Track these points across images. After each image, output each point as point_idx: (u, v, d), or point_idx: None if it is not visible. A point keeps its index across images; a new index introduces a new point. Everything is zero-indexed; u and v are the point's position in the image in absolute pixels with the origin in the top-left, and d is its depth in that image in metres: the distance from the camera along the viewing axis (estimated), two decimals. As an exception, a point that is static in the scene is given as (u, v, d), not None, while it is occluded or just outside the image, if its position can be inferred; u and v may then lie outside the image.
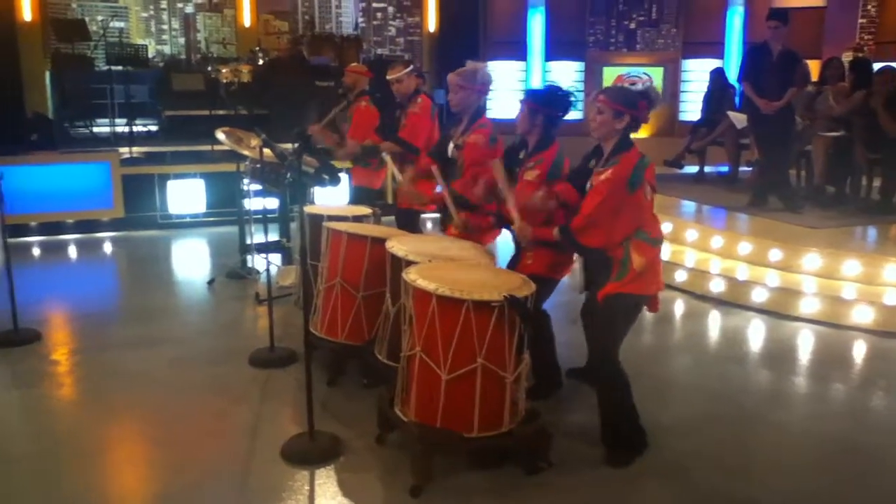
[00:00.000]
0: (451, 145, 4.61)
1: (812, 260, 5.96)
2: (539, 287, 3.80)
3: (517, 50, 13.26)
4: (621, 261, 3.42)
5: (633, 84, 12.73)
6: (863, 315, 5.46)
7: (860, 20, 11.98)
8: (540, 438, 3.42)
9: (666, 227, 6.43)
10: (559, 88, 4.02)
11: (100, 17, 12.19)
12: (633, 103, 3.44)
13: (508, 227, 4.11)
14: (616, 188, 3.35)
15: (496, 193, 4.01)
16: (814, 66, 9.41)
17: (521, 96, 4.10)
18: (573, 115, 4.23)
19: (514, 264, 4.10)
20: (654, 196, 3.51)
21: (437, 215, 5.27)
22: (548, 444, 3.44)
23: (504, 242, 4.42)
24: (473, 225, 4.26)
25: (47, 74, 10.92)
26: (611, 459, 3.53)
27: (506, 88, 13.04)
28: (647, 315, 5.56)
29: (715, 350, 5.28)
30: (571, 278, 4.17)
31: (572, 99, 4.01)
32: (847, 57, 9.91)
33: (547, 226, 3.71)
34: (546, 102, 3.96)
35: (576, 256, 3.98)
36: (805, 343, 5.32)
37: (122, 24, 12.36)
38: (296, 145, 3.97)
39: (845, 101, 7.46)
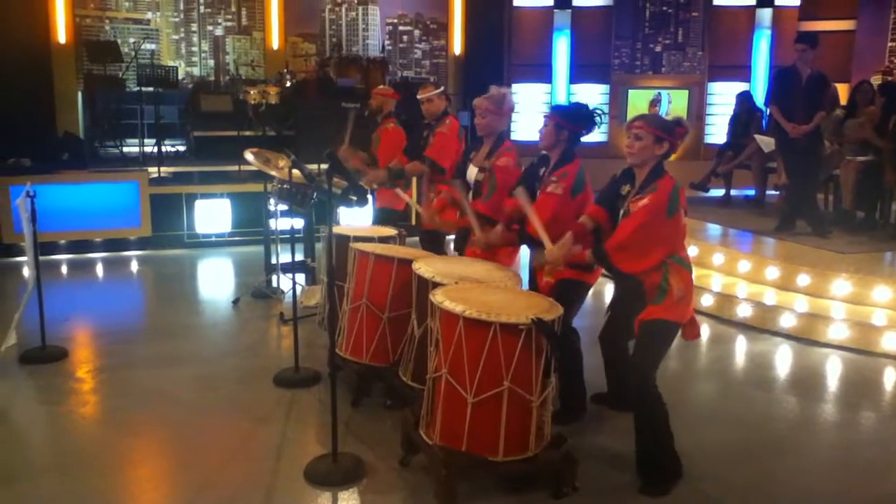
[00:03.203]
0: (472, 169, 4.61)
1: (841, 285, 5.89)
2: (570, 293, 3.79)
3: (542, 72, 13.31)
4: (659, 285, 3.39)
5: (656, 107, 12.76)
6: (893, 342, 5.37)
7: (889, 43, 11.90)
8: (566, 463, 3.38)
9: (692, 251, 6.39)
10: (585, 106, 4.03)
11: (132, 39, 12.40)
12: (671, 129, 3.44)
13: (530, 245, 4.11)
14: (655, 215, 3.35)
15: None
16: (842, 90, 9.35)
17: (546, 112, 4.12)
18: (596, 137, 4.24)
19: (532, 281, 4.10)
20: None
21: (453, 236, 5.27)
22: (574, 469, 3.40)
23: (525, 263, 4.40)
24: (495, 240, 4.26)
25: (79, 95, 11.11)
26: (647, 488, 3.47)
27: (531, 111, 13.08)
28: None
29: (742, 376, 5.21)
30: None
31: (597, 117, 4.02)
32: (876, 80, 9.83)
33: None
34: (571, 119, 3.96)
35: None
36: (834, 370, 5.23)
37: (153, 46, 12.54)
38: (325, 166, 4.00)
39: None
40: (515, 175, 4.31)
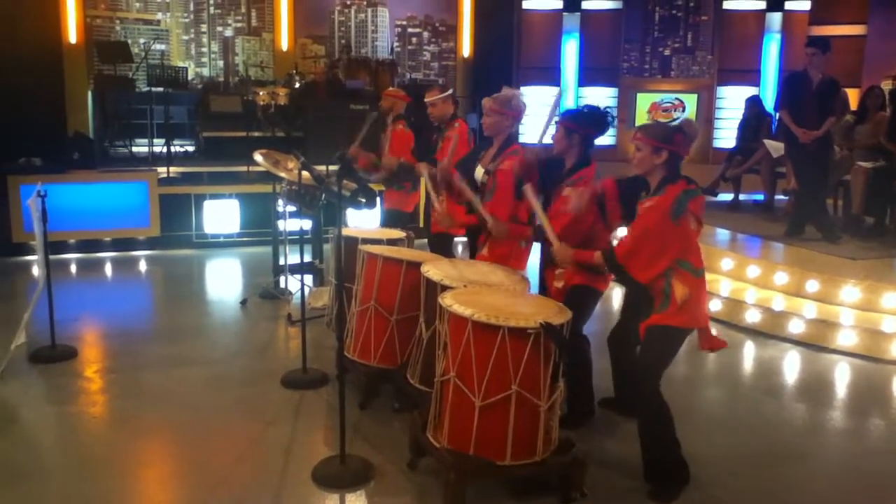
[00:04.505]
0: (479, 169, 4.61)
1: (850, 291, 5.86)
2: (581, 299, 3.78)
3: (551, 76, 13.29)
4: (663, 290, 3.39)
5: (667, 110, 12.72)
6: (903, 349, 5.35)
7: (900, 49, 11.84)
8: (574, 468, 3.38)
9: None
10: (595, 108, 4.03)
11: (142, 40, 12.43)
12: (669, 138, 3.43)
13: (542, 243, 4.11)
14: (659, 218, 3.34)
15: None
16: (852, 95, 9.32)
17: (557, 118, 4.12)
18: (605, 140, 4.25)
19: (542, 285, 4.10)
20: (700, 229, 3.47)
21: (466, 239, 5.25)
22: (582, 474, 3.40)
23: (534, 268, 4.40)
24: (512, 230, 4.25)
25: (90, 95, 11.14)
26: (655, 495, 3.47)
27: (539, 114, 13.06)
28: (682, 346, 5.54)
29: (751, 382, 5.20)
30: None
31: (609, 118, 4.02)
32: (887, 85, 9.79)
33: (586, 248, 3.71)
34: (582, 122, 3.97)
35: None
36: (843, 376, 5.22)
37: (163, 47, 12.58)
38: (336, 167, 4.02)
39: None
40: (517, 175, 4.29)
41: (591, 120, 3.99)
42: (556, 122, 4.08)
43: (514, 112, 4.51)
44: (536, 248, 4.28)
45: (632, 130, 3.65)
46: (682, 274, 3.38)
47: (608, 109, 4.07)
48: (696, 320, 3.46)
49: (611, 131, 4.61)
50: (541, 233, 4.00)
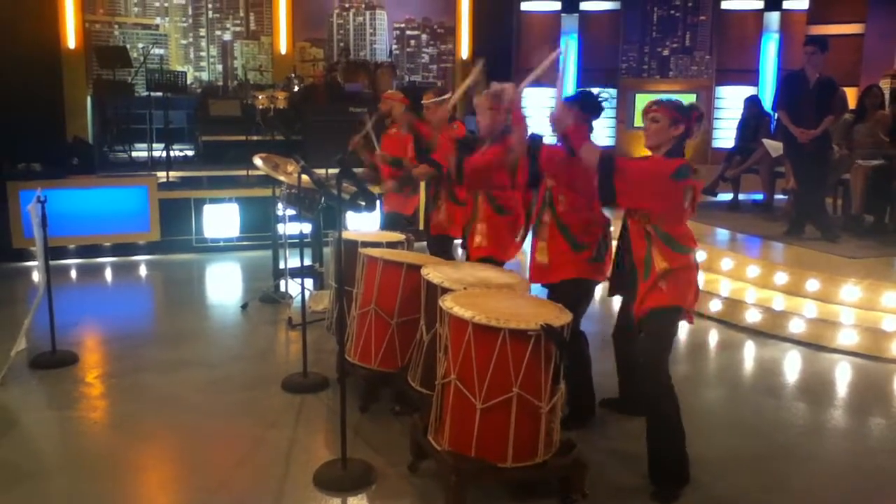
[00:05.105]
0: None
1: (850, 291, 5.87)
2: (576, 292, 3.77)
3: (550, 77, 13.29)
4: (643, 260, 3.42)
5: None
6: (904, 348, 5.35)
7: (898, 47, 11.85)
8: (575, 469, 3.37)
9: (700, 256, 6.37)
10: (590, 92, 4.04)
11: (141, 45, 12.46)
12: (687, 113, 3.46)
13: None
14: (661, 168, 3.37)
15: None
16: (851, 94, 9.31)
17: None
18: (605, 140, 4.25)
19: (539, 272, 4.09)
20: (692, 214, 3.44)
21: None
22: (583, 476, 3.39)
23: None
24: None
25: (89, 100, 11.17)
26: (658, 494, 3.46)
27: (538, 115, 13.06)
28: (680, 345, 5.55)
29: (751, 382, 5.20)
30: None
31: (604, 103, 4.01)
32: (886, 84, 9.80)
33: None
34: (578, 105, 3.96)
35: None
36: (843, 376, 5.22)
37: (162, 52, 12.61)
38: (335, 170, 4.02)
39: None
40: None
41: (587, 104, 3.99)
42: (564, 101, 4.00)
43: (507, 105, 4.48)
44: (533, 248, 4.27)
45: (631, 131, 3.65)
46: (660, 245, 3.37)
47: (601, 93, 4.06)
48: (684, 298, 3.44)
49: (610, 132, 4.61)
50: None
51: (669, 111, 3.44)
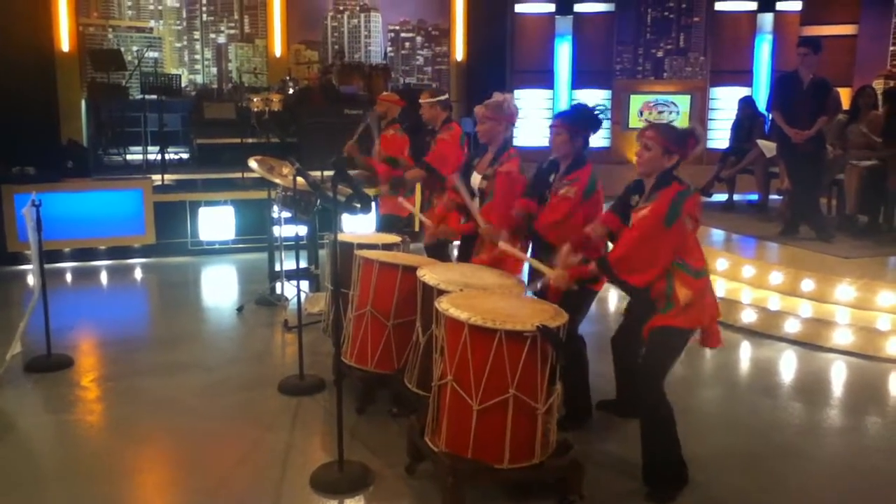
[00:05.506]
0: (476, 176, 4.61)
1: (845, 290, 5.88)
2: (576, 300, 3.78)
3: (544, 79, 13.33)
4: (665, 293, 3.39)
5: (661, 112, 12.75)
6: (899, 347, 5.37)
7: (891, 48, 11.91)
8: (572, 470, 3.38)
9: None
10: (585, 106, 4.04)
11: (135, 48, 12.45)
12: (682, 142, 3.42)
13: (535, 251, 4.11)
14: (653, 226, 3.35)
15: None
16: (844, 95, 9.35)
17: (551, 121, 4.12)
18: (599, 142, 4.26)
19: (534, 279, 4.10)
20: (697, 227, 3.47)
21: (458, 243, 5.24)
22: (580, 476, 3.40)
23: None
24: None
25: (83, 103, 11.15)
26: (653, 496, 3.47)
27: (533, 117, 13.10)
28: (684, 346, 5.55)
29: (747, 382, 5.21)
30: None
31: (601, 116, 4.02)
32: (878, 85, 9.83)
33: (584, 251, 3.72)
34: (578, 123, 3.97)
35: None
36: (839, 375, 5.23)
37: (156, 55, 12.61)
38: (330, 172, 4.01)
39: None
40: (519, 181, 4.32)
41: (585, 119, 3.99)
42: (553, 126, 4.06)
43: (508, 116, 4.51)
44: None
45: (626, 132, 3.64)
46: (682, 276, 3.38)
47: (598, 105, 4.06)
48: (699, 320, 3.46)
49: (605, 134, 4.62)
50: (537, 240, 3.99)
51: (663, 141, 3.40)
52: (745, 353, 5.67)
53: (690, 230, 3.42)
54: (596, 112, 3.99)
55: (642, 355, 3.55)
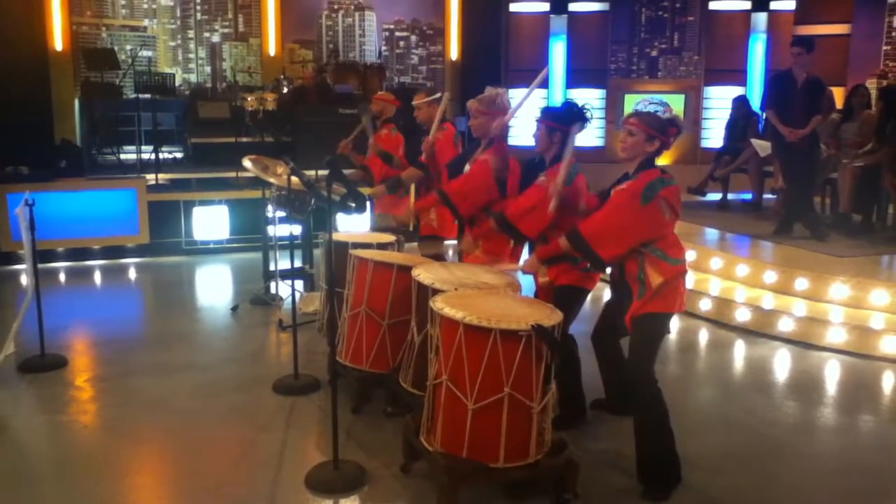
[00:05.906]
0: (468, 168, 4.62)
1: (839, 289, 5.90)
2: (568, 299, 3.79)
3: (539, 78, 13.31)
4: (637, 278, 3.43)
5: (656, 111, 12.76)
6: (891, 345, 5.38)
7: (885, 47, 11.93)
8: (567, 469, 3.38)
9: (690, 255, 6.39)
10: (574, 103, 4.04)
11: (129, 47, 12.40)
12: (664, 129, 3.48)
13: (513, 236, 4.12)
14: (628, 200, 3.40)
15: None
16: (838, 94, 9.38)
17: (537, 116, 4.12)
18: (593, 141, 4.25)
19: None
20: (676, 219, 3.49)
21: (455, 242, 5.25)
22: (575, 475, 3.40)
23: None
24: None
25: (76, 102, 11.12)
26: (648, 494, 3.48)
27: (527, 115, 13.08)
28: (670, 344, 5.57)
29: (741, 381, 5.22)
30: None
31: (588, 115, 4.01)
32: (871, 84, 9.86)
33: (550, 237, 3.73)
34: (561, 119, 3.97)
35: None
36: (833, 374, 5.25)
37: (150, 54, 12.56)
38: (325, 172, 4.02)
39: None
40: (490, 173, 4.30)
41: (570, 116, 3.99)
42: (537, 120, 4.07)
43: (500, 111, 4.50)
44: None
45: (620, 132, 3.64)
46: (653, 261, 3.41)
47: (586, 104, 4.06)
48: (675, 305, 3.49)
49: (600, 133, 4.62)
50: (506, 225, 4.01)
51: (646, 127, 3.46)
52: (740, 351, 5.68)
53: (668, 220, 3.43)
54: (583, 109, 3.99)
55: (629, 348, 3.56)
